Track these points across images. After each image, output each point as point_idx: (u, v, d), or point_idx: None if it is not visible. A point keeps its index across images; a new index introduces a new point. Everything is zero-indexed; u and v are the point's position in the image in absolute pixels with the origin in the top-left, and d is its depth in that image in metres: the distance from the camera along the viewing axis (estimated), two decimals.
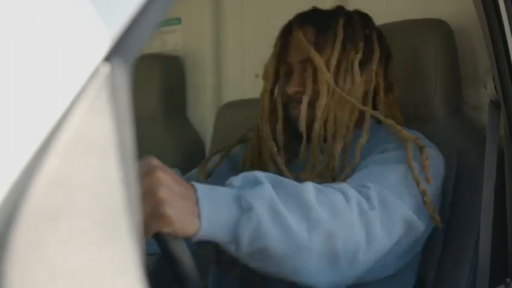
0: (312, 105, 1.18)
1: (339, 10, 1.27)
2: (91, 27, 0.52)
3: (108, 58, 0.51)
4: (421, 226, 1.07)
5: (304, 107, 1.18)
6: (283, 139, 1.23)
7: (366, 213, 0.94)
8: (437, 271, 1.24)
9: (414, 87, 1.30)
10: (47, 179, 0.47)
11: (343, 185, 0.96)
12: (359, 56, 1.19)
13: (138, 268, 0.50)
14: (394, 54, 1.29)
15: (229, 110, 1.88)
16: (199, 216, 0.77)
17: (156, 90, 2.01)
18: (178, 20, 2.12)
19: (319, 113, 1.16)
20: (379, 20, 1.31)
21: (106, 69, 0.51)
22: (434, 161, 1.15)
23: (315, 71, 1.18)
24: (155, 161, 0.75)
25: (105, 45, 0.51)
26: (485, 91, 1.28)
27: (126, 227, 0.50)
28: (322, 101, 1.17)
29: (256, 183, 0.84)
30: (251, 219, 0.81)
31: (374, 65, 1.21)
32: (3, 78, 0.48)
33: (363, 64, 1.21)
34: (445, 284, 1.24)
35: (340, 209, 0.90)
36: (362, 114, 1.21)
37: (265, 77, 1.27)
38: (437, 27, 1.39)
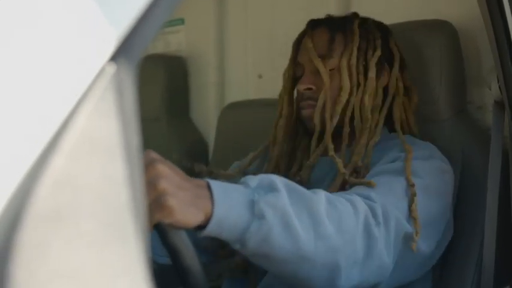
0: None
1: (353, 14, 1.30)
2: (96, 28, 0.51)
3: (113, 58, 0.51)
4: (421, 244, 1.06)
5: (320, 102, 1.21)
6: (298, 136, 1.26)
7: (371, 228, 0.94)
8: (442, 272, 1.24)
9: (419, 87, 1.30)
10: (52, 180, 0.47)
11: (354, 197, 0.96)
12: (378, 54, 1.22)
13: (144, 269, 0.50)
14: None
15: (232, 111, 1.88)
16: (211, 214, 0.77)
17: (160, 90, 2.01)
18: (181, 21, 2.12)
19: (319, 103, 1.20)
20: (383, 21, 1.31)
21: (112, 69, 0.51)
22: (444, 176, 1.16)
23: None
24: (154, 154, 0.76)
25: (110, 46, 0.51)
26: (490, 92, 1.27)
27: (132, 227, 0.50)
28: (322, 98, 1.20)
29: (272, 188, 0.84)
30: (261, 227, 0.81)
31: (395, 68, 1.25)
32: (9, 79, 0.48)
33: (381, 65, 1.23)
34: (450, 284, 1.23)
35: (347, 224, 0.90)
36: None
37: (283, 80, 1.31)
38: (442, 28, 1.39)
